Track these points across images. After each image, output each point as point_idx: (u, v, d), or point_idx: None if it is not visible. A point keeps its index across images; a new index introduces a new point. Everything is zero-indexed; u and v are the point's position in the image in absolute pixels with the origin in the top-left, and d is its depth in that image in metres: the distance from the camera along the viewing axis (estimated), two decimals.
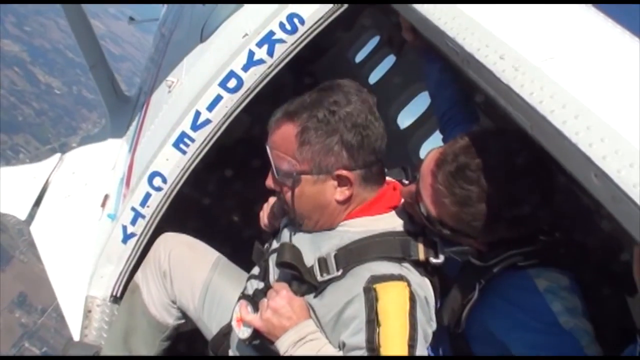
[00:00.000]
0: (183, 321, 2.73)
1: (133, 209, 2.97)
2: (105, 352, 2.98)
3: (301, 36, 2.57)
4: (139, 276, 2.79)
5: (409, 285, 1.84)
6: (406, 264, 1.92)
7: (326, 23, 2.55)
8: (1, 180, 4.24)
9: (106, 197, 3.55)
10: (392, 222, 2.03)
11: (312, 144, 1.94)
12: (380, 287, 1.82)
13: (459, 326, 2.03)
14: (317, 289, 1.95)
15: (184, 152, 2.81)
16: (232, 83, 2.67)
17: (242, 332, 2.09)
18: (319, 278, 1.93)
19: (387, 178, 2.14)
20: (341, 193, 1.98)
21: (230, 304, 2.29)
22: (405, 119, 4.56)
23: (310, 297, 1.97)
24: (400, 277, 1.85)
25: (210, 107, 2.72)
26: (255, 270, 2.34)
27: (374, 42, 4.99)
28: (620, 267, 1.91)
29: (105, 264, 3.11)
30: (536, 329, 1.86)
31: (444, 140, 2.62)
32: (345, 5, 2.50)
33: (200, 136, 2.77)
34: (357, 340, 1.80)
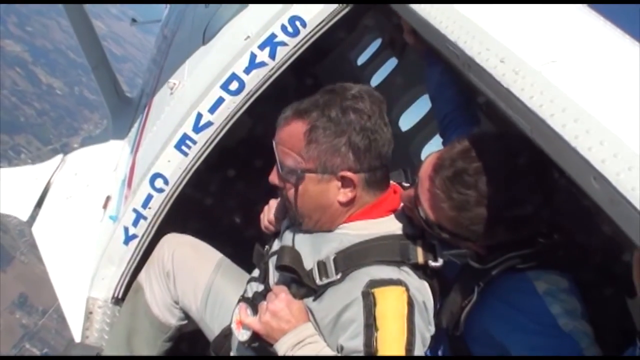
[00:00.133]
0: (185, 322, 2.75)
1: (135, 210, 2.98)
2: (107, 353, 2.99)
3: (303, 39, 2.58)
4: (142, 276, 2.80)
5: (407, 289, 1.85)
6: (405, 268, 1.93)
7: (328, 26, 2.57)
8: (3, 180, 4.25)
9: (108, 198, 3.55)
10: (391, 226, 2.03)
11: (320, 143, 1.94)
12: (378, 292, 1.83)
13: (458, 328, 2.03)
14: (316, 292, 1.96)
15: (186, 154, 2.82)
16: (233, 85, 2.68)
17: (241, 335, 2.10)
18: (318, 281, 1.94)
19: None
20: (344, 195, 1.98)
21: (232, 305, 2.30)
22: (407, 121, 4.57)
23: (309, 300, 1.98)
24: (398, 282, 1.86)
25: (212, 109, 2.74)
26: (255, 273, 2.35)
27: (376, 44, 5.00)
28: (620, 268, 1.91)
29: (107, 265, 3.12)
30: (536, 332, 1.86)
31: (443, 143, 2.62)
32: (347, 8, 2.51)
33: (202, 138, 2.78)
34: (355, 343, 1.81)
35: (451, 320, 2.03)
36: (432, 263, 1.95)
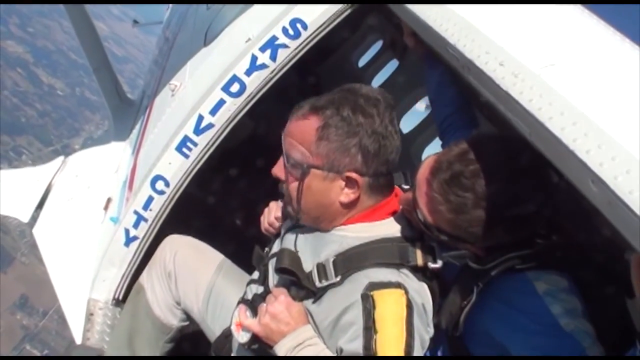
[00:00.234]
0: (187, 323, 2.75)
1: (136, 212, 2.99)
2: (109, 353, 3.00)
3: (304, 41, 2.59)
4: (143, 277, 2.81)
5: (407, 292, 1.85)
6: (404, 270, 1.92)
7: (329, 28, 2.57)
8: (4, 182, 4.26)
9: (109, 200, 3.56)
10: (390, 228, 2.03)
11: (330, 140, 1.93)
12: (377, 295, 1.83)
13: (457, 329, 2.04)
14: (316, 294, 1.96)
15: (187, 156, 2.82)
16: (235, 87, 2.69)
17: (241, 337, 2.10)
18: (318, 284, 1.94)
19: None
20: (346, 195, 1.98)
21: (233, 306, 2.30)
22: (408, 122, 4.56)
23: (308, 303, 1.98)
24: (397, 285, 1.86)
25: (213, 111, 2.74)
26: (255, 275, 2.36)
27: (377, 46, 5.00)
28: (619, 268, 1.91)
29: (108, 267, 3.13)
30: (537, 332, 1.86)
31: (442, 146, 2.62)
32: (349, 10, 2.51)
33: (203, 140, 2.78)
34: (354, 346, 1.81)
35: (450, 321, 2.04)
36: (431, 265, 1.94)
